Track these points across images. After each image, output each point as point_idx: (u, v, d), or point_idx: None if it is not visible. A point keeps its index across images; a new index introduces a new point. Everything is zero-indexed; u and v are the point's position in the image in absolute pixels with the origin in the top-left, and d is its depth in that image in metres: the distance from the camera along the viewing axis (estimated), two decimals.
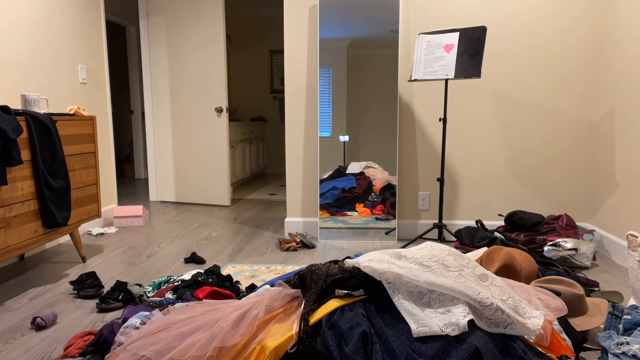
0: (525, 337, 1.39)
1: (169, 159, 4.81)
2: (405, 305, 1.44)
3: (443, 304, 1.42)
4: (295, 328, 1.43)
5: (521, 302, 1.46)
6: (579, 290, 1.86)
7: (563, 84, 3.18)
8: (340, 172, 3.24)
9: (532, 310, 1.45)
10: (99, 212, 2.97)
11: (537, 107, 3.22)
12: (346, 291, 1.54)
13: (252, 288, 2.29)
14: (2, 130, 2.07)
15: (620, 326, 1.69)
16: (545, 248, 2.63)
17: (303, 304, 1.57)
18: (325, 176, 3.27)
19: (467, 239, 2.80)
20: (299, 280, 1.63)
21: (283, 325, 1.50)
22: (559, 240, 2.66)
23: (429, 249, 1.59)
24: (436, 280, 1.45)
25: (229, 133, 4.66)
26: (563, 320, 1.66)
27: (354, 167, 3.25)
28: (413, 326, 1.38)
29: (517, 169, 3.29)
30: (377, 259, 1.59)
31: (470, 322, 1.38)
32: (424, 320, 1.40)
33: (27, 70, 2.97)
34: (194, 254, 2.87)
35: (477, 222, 3.06)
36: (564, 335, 1.55)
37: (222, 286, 2.30)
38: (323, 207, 3.29)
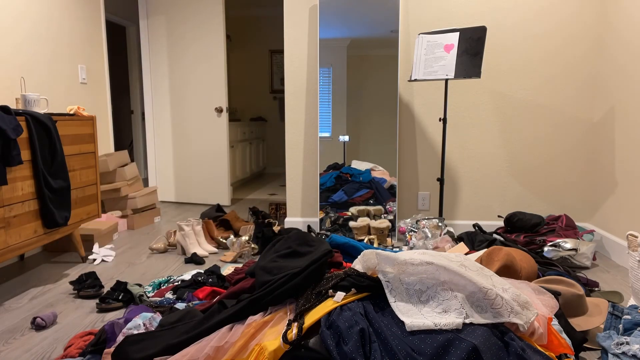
0: (522, 331, 1.40)
1: (169, 159, 4.81)
2: (401, 308, 1.45)
3: (441, 303, 1.43)
4: (288, 330, 1.43)
5: (520, 295, 1.46)
6: (579, 290, 1.86)
7: (563, 83, 3.18)
8: (337, 166, 3.25)
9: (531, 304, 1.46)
10: (98, 212, 2.97)
11: (537, 106, 3.22)
12: (341, 292, 1.54)
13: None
14: (2, 130, 2.07)
15: (620, 326, 1.69)
16: (545, 249, 2.63)
17: (295, 307, 1.58)
18: (324, 173, 3.28)
19: (468, 243, 2.80)
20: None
21: (281, 327, 1.50)
22: (558, 240, 2.66)
23: (428, 251, 1.59)
24: (439, 261, 1.46)
25: (229, 133, 4.66)
26: (563, 320, 1.66)
27: (360, 166, 3.25)
28: (407, 320, 1.39)
29: (517, 169, 3.29)
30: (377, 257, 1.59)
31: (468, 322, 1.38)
32: (419, 316, 1.40)
33: (26, 70, 2.97)
34: (194, 254, 2.87)
35: (474, 225, 3.07)
36: (564, 335, 1.55)
37: (222, 286, 2.30)
38: (323, 207, 3.29)
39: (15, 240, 2.26)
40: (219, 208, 3.70)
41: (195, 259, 2.83)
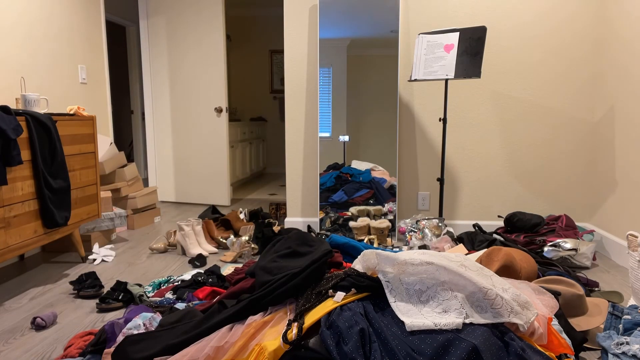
0: (522, 332, 1.40)
1: (169, 159, 4.81)
2: (401, 308, 1.45)
3: (441, 303, 1.43)
4: (288, 330, 1.43)
5: (520, 295, 1.46)
6: (579, 290, 1.86)
7: (563, 84, 3.18)
8: (337, 166, 3.25)
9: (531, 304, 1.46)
10: (99, 212, 2.97)
11: (537, 106, 3.22)
12: (341, 292, 1.54)
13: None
14: (2, 130, 2.07)
15: (620, 326, 1.69)
16: (545, 249, 2.63)
17: (295, 307, 1.57)
18: (324, 172, 3.28)
19: (468, 243, 2.80)
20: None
21: (281, 327, 1.50)
22: (558, 240, 2.66)
23: (428, 252, 1.59)
24: (439, 261, 1.46)
25: (229, 133, 4.66)
26: (563, 320, 1.66)
27: (360, 166, 3.25)
28: (407, 320, 1.39)
29: (517, 169, 3.29)
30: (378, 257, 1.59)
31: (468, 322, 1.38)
32: (419, 316, 1.40)
33: (26, 70, 2.97)
34: (199, 255, 2.87)
35: (474, 225, 3.07)
36: (564, 335, 1.55)
37: (221, 286, 2.30)
38: (323, 207, 3.29)
39: (15, 240, 2.26)
40: (214, 210, 3.70)
41: (198, 261, 2.82)
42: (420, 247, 2.81)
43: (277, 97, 7.46)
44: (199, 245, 3.04)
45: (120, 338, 1.61)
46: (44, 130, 2.41)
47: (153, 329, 1.69)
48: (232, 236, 3.08)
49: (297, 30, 3.32)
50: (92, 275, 2.39)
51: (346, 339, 1.35)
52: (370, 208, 3.23)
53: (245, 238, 2.94)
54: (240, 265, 2.65)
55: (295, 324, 1.44)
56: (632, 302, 1.99)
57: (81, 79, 3.55)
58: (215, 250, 3.05)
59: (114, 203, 3.64)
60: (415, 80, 2.85)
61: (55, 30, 3.25)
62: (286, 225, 3.49)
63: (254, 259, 2.90)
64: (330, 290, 1.56)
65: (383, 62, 3.20)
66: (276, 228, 3.19)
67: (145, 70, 4.74)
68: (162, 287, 2.36)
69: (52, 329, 1.97)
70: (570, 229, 2.86)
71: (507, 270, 1.96)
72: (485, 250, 2.14)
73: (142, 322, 1.69)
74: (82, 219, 2.80)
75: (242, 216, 3.55)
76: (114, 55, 7.09)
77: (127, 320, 1.75)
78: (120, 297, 2.18)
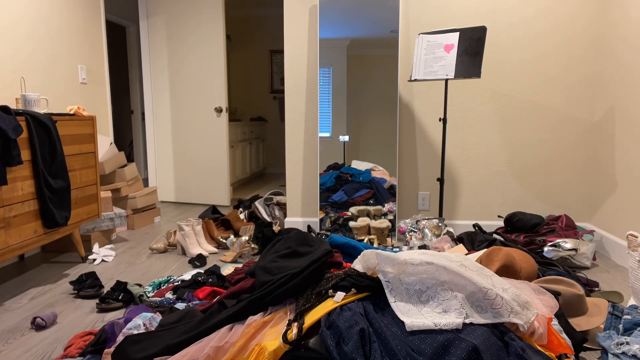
0: (522, 331, 1.40)
1: (169, 159, 4.81)
2: (401, 308, 1.45)
3: (441, 303, 1.43)
4: (289, 330, 1.43)
5: (520, 295, 1.46)
6: (579, 290, 1.86)
7: (563, 83, 3.18)
8: (337, 166, 3.25)
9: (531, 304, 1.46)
10: (99, 212, 2.97)
11: (537, 106, 3.22)
12: (341, 292, 1.54)
13: None
14: (2, 130, 2.07)
15: (620, 326, 1.69)
16: (545, 249, 2.63)
17: (295, 307, 1.57)
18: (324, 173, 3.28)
19: (468, 243, 2.80)
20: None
21: (281, 327, 1.50)
22: (558, 240, 2.66)
23: (428, 252, 1.59)
24: (439, 261, 1.46)
25: (229, 133, 4.66)
26: (563, 320, 1.66)
27: (360, 166, 3.25)
28: (407, 320, 1.39)
29: (517, 169, 3.29)
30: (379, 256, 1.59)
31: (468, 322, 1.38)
32: (419, 316, 1.40)
33: (26, 70, 2.97)
34: (199, 255, 2.87)
35: (474, 225, 3.07)
36: (564, 335, 1.55)
37: (222, 286, 2.30)
38: (323, 207, 3.29)
39: (15, 240, 2.26)
40: (214, 210, 3.71)
41: (198, 261, 2.82)
42: (420, 247, 2.81)
43: (277, 97, 7.46)
44: (199, 245, 3.04)
45: (120, 338, 1.61)
46: (44, 130, 2.41)
47: (153, 329, 1.69)
48: (232, 236, 3.08)
49: (297, 30, 3.32)
50: (92, 275, 2.39)
51: (346, 339, 1.35)
52: (370, 208, 3.23)
53: (245, 238, 2.94)
54: (240, 265, 2.65)
55: (295, 324, 1.44)
56: (632, 302, 1.99)
57: (81, 79, 3.55)
58: (215, 250, 3.05)
59: (114, 203, 3.64)
60: (415, 80, 2.85)
61: (55, 30, 3.25)
62: (286, 225, 3.49)
63: (254, 259, 2.90)
64: (330, 290, 1.56)
65: (383, 62, 3.20)
66: (276, 228, 3.19)
67: (145, 70, 4.74)
68: (162, 287, 2.36)
69: (52, 329, 1.97)
70: (570, 229, 2.86)
71: (507, 270, 1.96)
72: (485, 250, 2.14)
73: (142, 322, 1.69)
74: (82, 219, 2.80)
75: (242, 216, 3.55)
76: (114, 55, 7.09)
77: (127, 320, 1.75)
78: (120, 297, 2.18)
